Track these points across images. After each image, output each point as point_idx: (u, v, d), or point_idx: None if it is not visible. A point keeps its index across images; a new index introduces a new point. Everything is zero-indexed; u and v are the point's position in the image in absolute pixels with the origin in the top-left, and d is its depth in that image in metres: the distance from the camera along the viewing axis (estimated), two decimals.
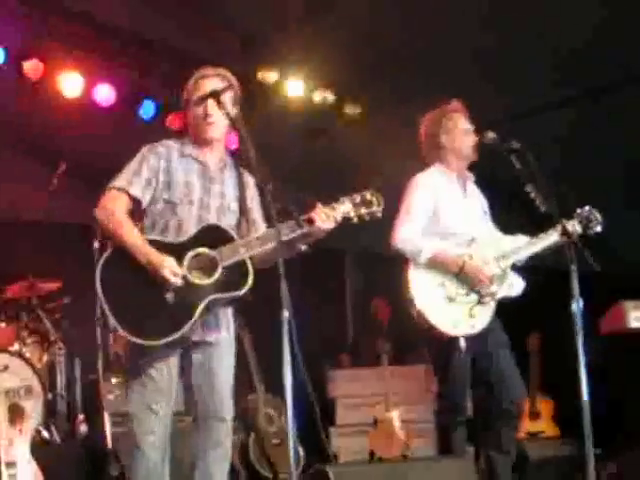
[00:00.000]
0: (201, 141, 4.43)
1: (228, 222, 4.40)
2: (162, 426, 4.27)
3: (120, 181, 4.31)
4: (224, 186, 4.45)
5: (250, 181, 4.54)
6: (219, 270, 4.21)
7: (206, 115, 4.35)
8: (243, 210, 4.46)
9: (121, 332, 4.14)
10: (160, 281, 4.14)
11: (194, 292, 4.19)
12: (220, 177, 4.45)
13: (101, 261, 4.20)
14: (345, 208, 4.41)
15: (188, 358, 4.33)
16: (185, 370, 4.34)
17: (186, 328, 4.17)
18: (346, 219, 4.41)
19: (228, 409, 4.38)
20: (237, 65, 7.85)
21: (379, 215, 4.46)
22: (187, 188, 4.34)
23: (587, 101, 7.96)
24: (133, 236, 4.22)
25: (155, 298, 4.16)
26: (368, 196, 4.45)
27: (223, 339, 4.39)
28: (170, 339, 4.16)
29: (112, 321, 4.13)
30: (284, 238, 4.17)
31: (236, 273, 4.25)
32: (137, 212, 4.33)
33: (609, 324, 7.32)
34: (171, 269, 4.13)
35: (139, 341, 4.14)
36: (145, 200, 4.31)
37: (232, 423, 4.42)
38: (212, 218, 4.36)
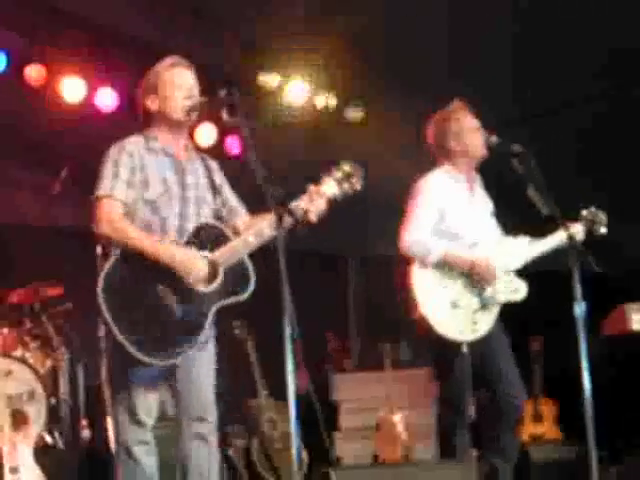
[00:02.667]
0: (170, 124, 4.36)
1: (206, 212, 4.37)
2: (150, 434, 4.25)
3: (103, 189, 4.21)
4: (196, 175, 4.41)
5: (214, 165, 4.52)
6: (221, 274, 4.19)
7: (190, 98, 4.33)
8: (217, 197, 4.44)
9: (134, 354, 4.03)
10: (187, 279, 4.10)
11: (200, 300, 4.15)
12: (191, 166, 4.40)
13: (100, 280, 4.08)
14: (330, 188, 4.42)
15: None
16: (171, 373, 4.27)
17: (199, 341, 4.15)
18: (332, 199, 4.43)
19: (211, 411, 4.33)
20: (238, 69, 7.95)
21: (359, 187, 4.47)
22: (165, 185, 4.28)
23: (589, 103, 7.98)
24: (146, 239, 4.15)
25: (162, 311, 4.10)
26: (347, 168, 4.46)
27: (211, 337, 4.36)
28: (184, 354, 4.13)
29: (123, 343, 4.02)
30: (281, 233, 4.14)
31: (236, 274, 4.23)
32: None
33: (611, 326, 7.33)
34: (197, 265, 4.12)
35: (154, 362, 4.07)
36: (129, 202, 4.23)
37: (215, 424, 4.36)
38: (192, 211, 4.31)
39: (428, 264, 5.11)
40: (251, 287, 4.24)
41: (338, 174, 4.46)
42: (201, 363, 4.31)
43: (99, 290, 4.05)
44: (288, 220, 4.15)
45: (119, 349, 4.05)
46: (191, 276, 4.12)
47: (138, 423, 4.20)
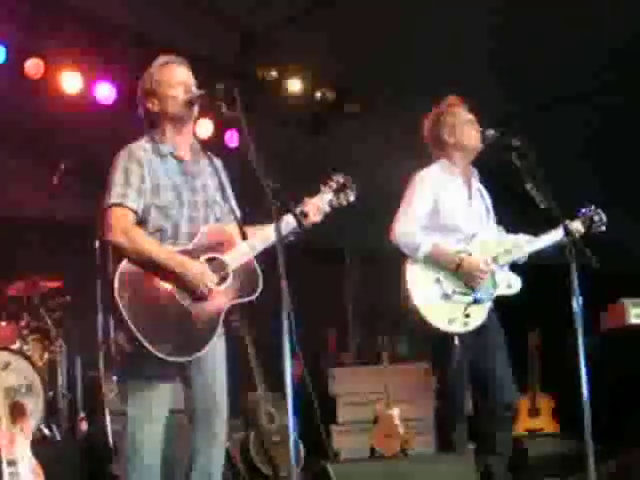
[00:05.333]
0: (174, 121, 4.36)
1: (215, 215, 4.38)
2: (160, 430, 4.25)
3: (114, 197, 4.18)
4: (204, 177, 4.41)
5: (219, 165, 4.52)
6: (230, 275, 4.22)
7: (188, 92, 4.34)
8: (224, 197, 4.46)
9: (152, 351, 4.02)
10: (197, 292, 4.13)
11: (212, 299, 4.18)
12: (198, 169, 4.40)
13: (116, 279, 4.05)
14: (328, 196, 4.51)
15: None
16: (182, 368, 4.27)
17: (215, 338, 4.17)
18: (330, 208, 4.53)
19: (224, 403, 4.35)
20: (237, 63, 7.95)
21: (352, 199, 4.56)
22: (175, 190, 4.28)
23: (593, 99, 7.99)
24: (159, 248, 4.15)
25: (177, 309, 4.12)
26: (342, 180, 4.55)
27: (221, 334, 4.36)
28: (203, 352, 4.14)
29: (141, 340, 4.00)
30: (284, 234, 4.20)
31: (244, 274, 4.27)
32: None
33: (609, 321, 7.35)
34: (208, 278, 4.14)
35: (171, 359, 4.07)
36: (140, 210, 4.21)
37: (227, 417, 4.39)
38: (201, 215, 4.32)
39: (416, 259, 5.14)
40: (259, 289, 4.28)
41: (334, 185, 4.55)
42: (214, 359, 4.33)
43: (115, 288, 4.03)
44: (290, 219, 4.23)
45: (136, 346, 4.05)
46: (200, 289, 4.14)
47: (151, 418, 4.21)
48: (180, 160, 4.36)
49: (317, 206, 4.45)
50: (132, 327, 4.02)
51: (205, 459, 4.31)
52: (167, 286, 4.12)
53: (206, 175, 4.43)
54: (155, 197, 4.24)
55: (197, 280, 4.13)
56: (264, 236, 4.29)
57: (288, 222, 4.29)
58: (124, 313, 4.02)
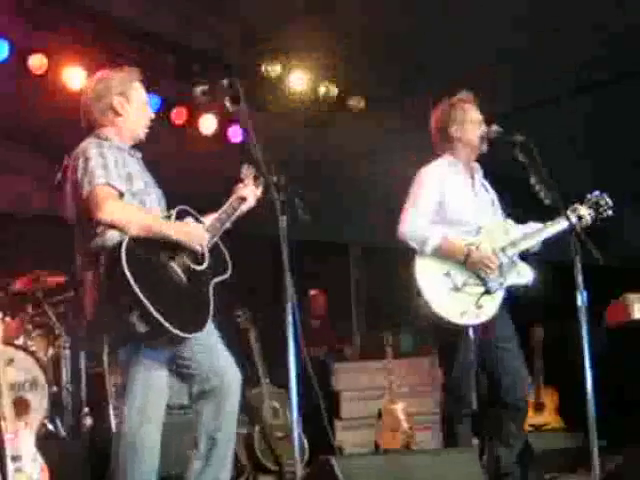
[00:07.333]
0: (132, 138, 4.43)
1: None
2: (159, 428, 4.24)
3: (98, 178, 4.16)
4: (149, 175, 4.47)
5: None
6: (207, 254, 4.26)
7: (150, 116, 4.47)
8: None
9: (172, 330, 3.99)
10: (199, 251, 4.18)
11: (200, 278, 4.21)
12: (143, 167, 4.47)
13: (123, 256, 3.99)
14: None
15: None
16: (179, 354, 4.27)
17: (211, 314, 4.18)
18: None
19: (235, 370, 4.36)
20: (240, 59, 7.94)
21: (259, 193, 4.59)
22: (142, 180, 4.33)
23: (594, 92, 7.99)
24: (154, 217, 4.22)
25: (178, 289, 4.14)
26: (252, 170, 4.58)
27: None
28: (205, 328, 4.14)
29: (156, 316, 3.95)
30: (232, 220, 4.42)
31: (216, 256, 4.34)
32: None
33: (613, 316, 7.35)
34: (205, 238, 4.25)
35: (191, 335, 4.08)
36: (122, 191, 4.21)
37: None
38: (163, 205, 4.41)
39: (426, 252, 5.13)
40: (230, 267, 4.34)
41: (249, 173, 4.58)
42: (211, 337, 4.31)
43: (125, 268, 3.96)
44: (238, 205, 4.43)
45: (152, 324, 3.98)
46: (202, 245, 4.22)
47: (148, 418, 4.19)
48: (135, 157, 4.43)
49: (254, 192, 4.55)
50: (148, 305, 3.94)
51: (225, 434, 4.28)
52: (165, 264, 4.13)
53: (149, 173, 4.50)
54: (129, 184, 4.26)
55: (199, 240, 4.20)
56: (222, 219, 4.41)
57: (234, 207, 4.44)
58: (137, 291, 3.95)
